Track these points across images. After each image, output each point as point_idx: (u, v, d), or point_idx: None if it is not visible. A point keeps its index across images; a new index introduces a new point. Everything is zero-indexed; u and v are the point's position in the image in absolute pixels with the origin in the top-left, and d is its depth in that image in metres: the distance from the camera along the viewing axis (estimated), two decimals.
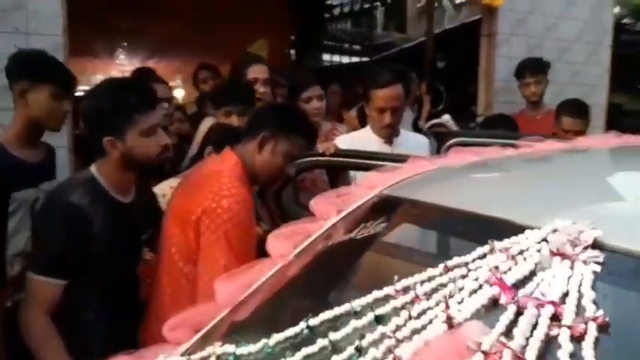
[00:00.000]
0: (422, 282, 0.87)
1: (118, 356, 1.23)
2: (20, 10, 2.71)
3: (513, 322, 0.71)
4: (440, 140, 2.73)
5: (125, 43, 7.88)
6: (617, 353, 0.63)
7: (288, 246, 1.31)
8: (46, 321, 1.59)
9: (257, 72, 2.80)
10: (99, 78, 7.84)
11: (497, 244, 0.85)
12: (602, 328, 0.65)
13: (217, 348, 1.07)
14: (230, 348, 1.03)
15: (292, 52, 7.88)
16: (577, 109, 3.05)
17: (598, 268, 0.73)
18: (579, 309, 0.69)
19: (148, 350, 1.25)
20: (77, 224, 1.59)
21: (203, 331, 1.25)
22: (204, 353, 1.10)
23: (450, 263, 0.87)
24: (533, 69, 3.84)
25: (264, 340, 0.98)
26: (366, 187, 1.42)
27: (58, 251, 1.59)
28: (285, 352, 0.93)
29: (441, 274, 0.86)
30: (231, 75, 2.99)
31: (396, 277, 0.90)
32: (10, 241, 1.96)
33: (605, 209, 0.86)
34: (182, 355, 1.17)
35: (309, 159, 2.25)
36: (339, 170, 2.31)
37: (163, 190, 2.06)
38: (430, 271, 0.87)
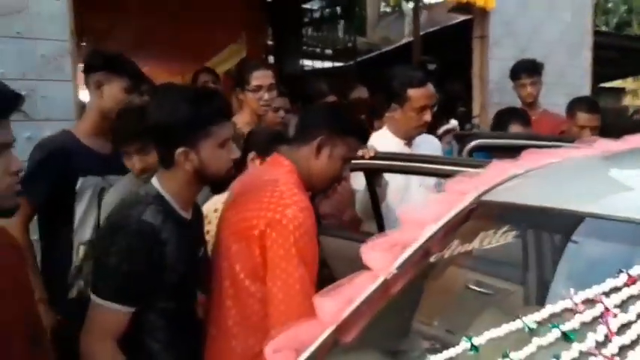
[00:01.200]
0: (606, 293, 0.82)
1: None
2: (22, 14, 2.54)
3: None
4: (461, 142, 2.71)
5: (93, 47, 7.60)
6: None
7: (388, 258, 1.25)
8: (112, 347, 1.45)
9: (260, 78, 2.70)
10: None
11: None
12: None
13: None
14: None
15: (270, 57, 7.79)
16: (591, 105, 3.12)
17: None
18: None
19: None
20: (151, 247, 1.47)
21: (309, 351, 1.17)
22: None
23: (632, 272, 0.82)
24: (529, 70, 3.89)
25: None
26: (455, 194, 1.37)
27: (129, 276, 1.44)
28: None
29: (627, 285, 0.82)
30: (235, 82, 2.89)
31: (572, 290, 0.85)
32: (78, 228, 2.06)
33: None
34: None
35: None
36: (377, 174, 2.26)
37: (216, 204, 1.95)
38: (611, 282, 0.83)
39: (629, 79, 13.92)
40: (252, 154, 2.13)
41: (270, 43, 7.91)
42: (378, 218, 2.24)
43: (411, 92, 2.41)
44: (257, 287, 1.59)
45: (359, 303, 1.21)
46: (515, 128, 2.98)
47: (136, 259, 1.45)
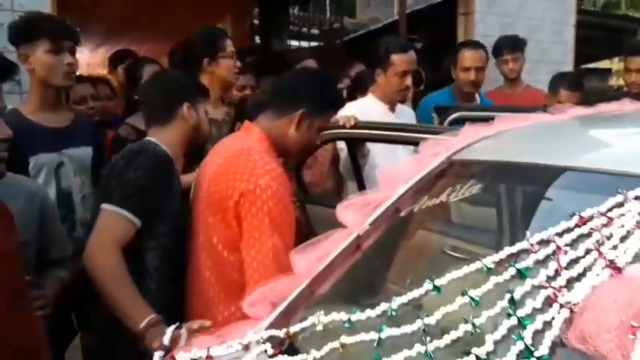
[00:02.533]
0: (559, 234, 0.87)
1: (201, 337, 1.19)
2: None
3: None
4: (441, 114, 2.76)
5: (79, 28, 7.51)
6: None
7: (361, 215, 1.30)
8: (117, 253, 1.53)
9: (231, 45, 2.63)
10: None
11: (631, 193, 0.87)
12: None
13: (322, 317, 1.05)
14: (340, 316, 1.01)
15: (257, 37, 7.75)
16: (575, 82, 3.13)
17: None
18: None
19: (230, 329, 1.21)
20: (166, 169, 1.67)
21: (285, 303, 1.22)
22: (305, 324, 1.08)
23: (584, 214, 0.87)
24: (511, 47, 3.91)
25: (384, 305, 0.96)
26: (428, 155, 1.41)
27: (144, 189, 1.59)
28: (410, 314, 0.92)
29: (577, 225, 0.87)
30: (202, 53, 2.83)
31: (528, 233, 0.90)
32: None
33: None
34: (267, 329, 1.15)
35: (330, 131, 2.22)
36: (359, 143, 2.31)
37: None
38: (564, 224, 0.88)
39: (616, 60, 13.98)
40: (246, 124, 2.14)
41: (256, 22, 7.86)
42: (359, 184, 2.29)
43: (394, 57, 2.58)
44: (235, 257, 1.62)
45: (333, 257, 1.26)
46: (564, 93, 3.02)
47: (152, 176, 1.62)
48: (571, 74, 3.33)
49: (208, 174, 1.72)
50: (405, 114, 2.78)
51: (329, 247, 1.28)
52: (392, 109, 2.67)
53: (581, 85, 3.11)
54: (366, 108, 2.43)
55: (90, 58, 9.13)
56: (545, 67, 4.91)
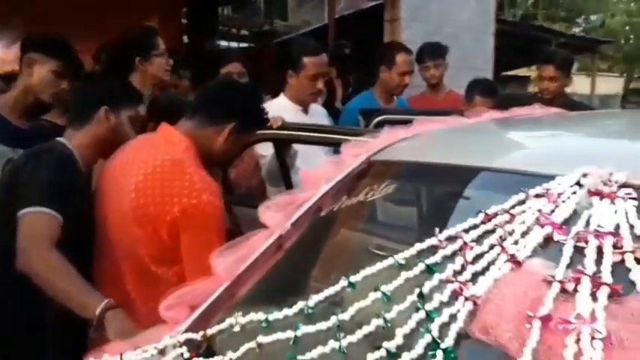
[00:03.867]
0: (466, 230, 0.91)
1: (115, 344, 1.15)
2: None
3: (574, 255, 0.78)
4: (367, 118, 2.81)
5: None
6: None
7: (283, 216, 1.30)
8: (57, 251, 1.51)
9: (162, 43, 2.66)
10: None
11: (532, 191, 0.92)
12: None
13: (239, 318, 1.04)
14: (258, 316, 1.01)
15: (185, 37, 7.60)
16: (488, 88, 3.28)
17: (636, 203, 0.82)
18: (634, 237, 0.77)
19: (147, 334, 1.17)
20: (73, 166, 1.70)
21: (204, 306, 1.20)
22: (222, 326, 1.06)
23: (489, 211, 0.92)
24: (433, 53, 4.05)
25: (301, 303, 0.97)
26: (349, 156, 1.44)
27: (57, 184, 1.60)
28: (327, 312, 0.93)
29: (483, 222, 0.91)
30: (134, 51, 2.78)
31: (437, 229, 0.93)
32: None
33: (614, 156, 0.96)
34: (184, 332, 1.12)
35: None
36: (285, 144, 2.31)
37: None
38: (471, 221, 0.92)
39: (534, 68, 14.78)
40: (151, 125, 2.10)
41: (185, 22, 7.72)
42: (287, 186, 2.29)
43: (306, 60, 2.59)
44: (163, 271, 1.61)
45: (254, 259, 1.25)
46: (478, 99, 3.12)
47: (63, 171, 1.65)
48: (485, 81, 3.48)
49: (133, 183, 1.64)
50: (319, 114, 2.82)
51: (249, 249, 1.27)
52: (305, 110, 2.69)
53: (495, 91, 3.26)
54: (280, 108, 2.43)
55: (5, 55, 8.64)
56: (467, 73, 5.10)
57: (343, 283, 0.95)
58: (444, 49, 4.14)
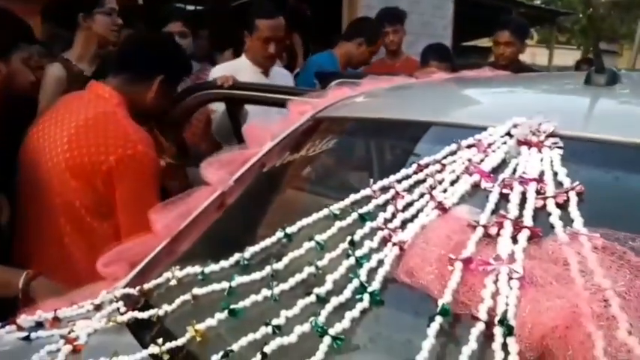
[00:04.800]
0: (399, 180, 0.92)
1: (51, 302, 1.12)
2: None
3: (499, 201, 0.80)
4: (322, 81, 2.79)
5: None
6: (593, 212, 0.73)
7: (225, 173, 1.28)
8: None
9: (113, 1, 2.58)
10: None
11: (464, 142, 0.93)
12: (580, 195, 0.75)
13: (177, 272, 1.03)
14: (194, 269, 1.00)
15: None
16: (443, 53, 3.29)
17: (562, 151, 0.84)
18: (557, 183, 0.79)
19: (83, 290, 1.15)
20: None
21: (143, 263, 1.18)
22: (159, 280, 1.05)
23: (422, 162, 0.92)
24: (391, 19, 4.02)
25: (237, 254, 0.96)
26: (296, 113, 1.43)
27: None
28: (262, 263, 0.93)
29: (415, 172, 0.92)
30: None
31: (371, 180, 0.94)
32: None
33: (544, 109, 0.97)
34: (122, 288, 1.11)
35: (207, 92, 2.18)
36: (237, 103, 2.27)
37: None
38: (404, 171, 0.93)
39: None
40: None
41: None
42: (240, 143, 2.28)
43: (259, 22, 2.55)
44: (98, 223, 1.59)
45: (194, 215, 1.24)
46: (433, 64, 3.10)
47: None
48: (439, 45, 3.49)
49: (65, 136, 1.62)
50: (282, 77, 2.76)
51: (190, 205, 1.26)
52: (265, 72, 2.65)
53: (449, 56, 3.27)
54: (237, 68, 2.41)
55: None
56: (427, 40, 5.10)
57: (279, 234, 0.95)
58: (403, 14, 4.10)
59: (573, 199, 0.75)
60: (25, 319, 1.02)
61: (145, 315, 0.96)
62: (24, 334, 1.00)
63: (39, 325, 1.04)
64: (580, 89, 1.09)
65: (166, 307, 0.95)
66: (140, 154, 1.58)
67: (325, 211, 0.93)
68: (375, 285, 0.77)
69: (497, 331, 0.62)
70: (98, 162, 1.56)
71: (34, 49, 1.79)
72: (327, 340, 0.73)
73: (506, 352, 0.61)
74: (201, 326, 0.86)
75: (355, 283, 0.78)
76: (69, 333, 0.97)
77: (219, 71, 2.48)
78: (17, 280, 1.42)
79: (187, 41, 3.00)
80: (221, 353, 0.78)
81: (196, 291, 0.94)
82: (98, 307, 1.06)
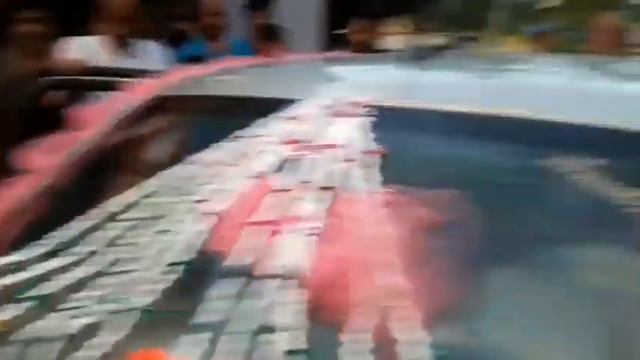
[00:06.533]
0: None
1: None
2: None
3: (311, 167, 0.82)
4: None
5: None
6: (395, 172, 0.79)
7: (49, 157, 1.20)
8: None
9: None
10: None
11: (282, 114, 0.95)
12: (384, 156, 0.80)
13: None
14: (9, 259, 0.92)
15: None
16: (274, 32, 3.36)
17: (371, 120, 0.89)
18: (365, 147, 0.83)
19: None
20: None
21: None
22: None
23: (242, 134, 0.93)
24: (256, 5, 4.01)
25: (53, 240, 0.90)
26: (132, 93, 1.38)
27: None
28: (77, 246, 0.88)
29: (231, 144, 0.92)
30: None
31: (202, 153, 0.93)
32: None
33: (361, 85, 1.03)
34: None
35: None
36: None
37: None
38: (224, 144, 0.93)
39: None
40: None
41: None
42: None
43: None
44: None
45: (14, 204, 1.15)
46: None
47: None
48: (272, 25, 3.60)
49: None
50: (151, 53, 2.71)
51: (9, 194, 1.16)
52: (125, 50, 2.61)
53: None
54: (88, 46, 2.41)
55: None
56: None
57: (97, 216, 0.91)
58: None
59: (376, 161, 0.79)
60: None
61: None
62: None
63: None
64: (397, 66, 1.17)
65: None
66: None
67: (144, 188, 0.90)
68: (189, 257, 0.75)
69: (291, 284, 0.64)
70: None
71: None
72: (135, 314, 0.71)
73: (300, 303, 0.62)
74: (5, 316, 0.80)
75: (170, 257, 0.77)
76: None
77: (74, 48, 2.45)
78: None
79: None
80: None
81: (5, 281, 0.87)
82: None
